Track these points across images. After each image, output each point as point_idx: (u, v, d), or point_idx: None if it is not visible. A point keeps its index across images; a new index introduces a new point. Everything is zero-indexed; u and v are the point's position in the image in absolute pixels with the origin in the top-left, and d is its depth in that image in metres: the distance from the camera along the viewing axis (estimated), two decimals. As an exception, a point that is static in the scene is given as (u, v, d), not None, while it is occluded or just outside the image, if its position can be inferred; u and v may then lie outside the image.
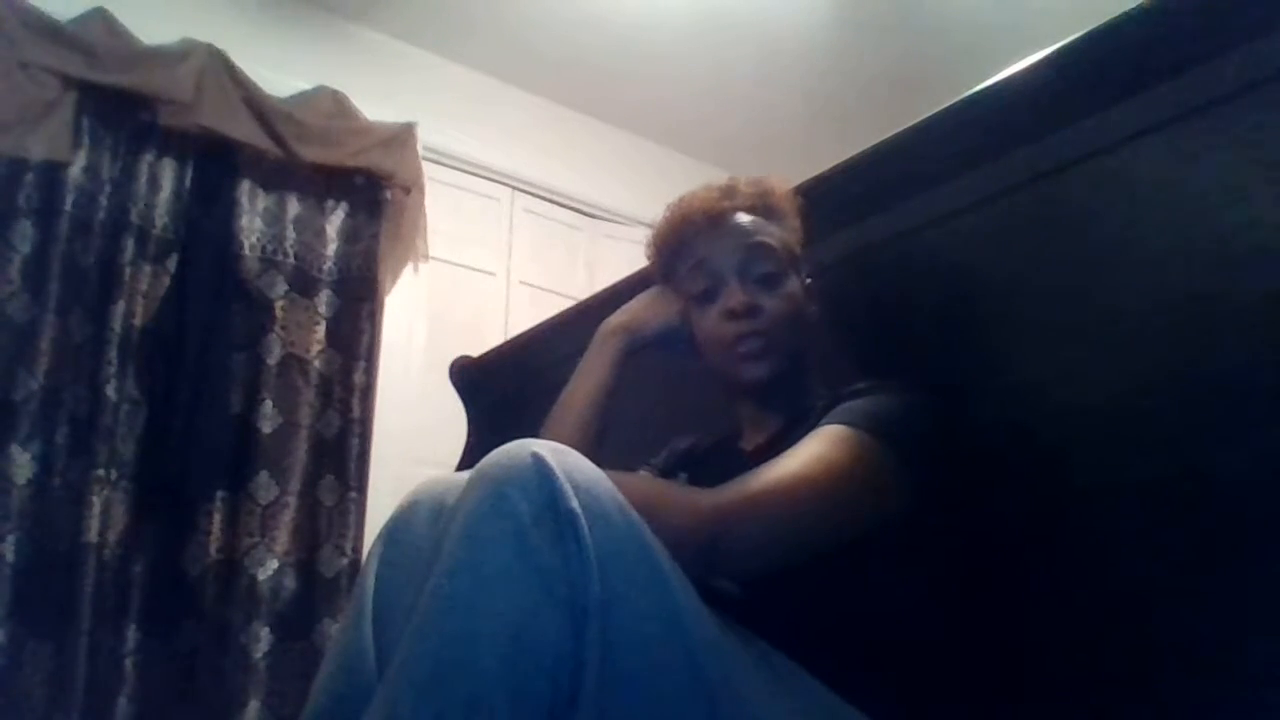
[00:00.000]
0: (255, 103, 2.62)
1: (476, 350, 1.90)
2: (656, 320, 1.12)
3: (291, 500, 2.52)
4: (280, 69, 2.78)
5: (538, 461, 0.67)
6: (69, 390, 2.25)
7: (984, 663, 0.89)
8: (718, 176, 1.14)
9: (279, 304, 2.61)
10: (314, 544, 2.53)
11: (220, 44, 2.60)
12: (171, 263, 2.48)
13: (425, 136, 2.94)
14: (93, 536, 2.19)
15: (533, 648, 0.61)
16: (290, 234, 2.69)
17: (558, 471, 0.66)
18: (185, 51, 2.54)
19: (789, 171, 1.19)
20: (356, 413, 2.66)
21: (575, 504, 0.65)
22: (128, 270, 2.38)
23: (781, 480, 0.81)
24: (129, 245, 2.39)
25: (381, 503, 2.63)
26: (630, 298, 1.18)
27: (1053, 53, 0.91)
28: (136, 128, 2.47)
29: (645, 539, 0.69)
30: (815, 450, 0.84)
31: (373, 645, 0.78)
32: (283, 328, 2.61)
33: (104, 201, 2.39)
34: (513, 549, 0.64)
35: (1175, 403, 0.82)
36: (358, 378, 2.69)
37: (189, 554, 2.36)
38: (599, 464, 0.71)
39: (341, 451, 2.62)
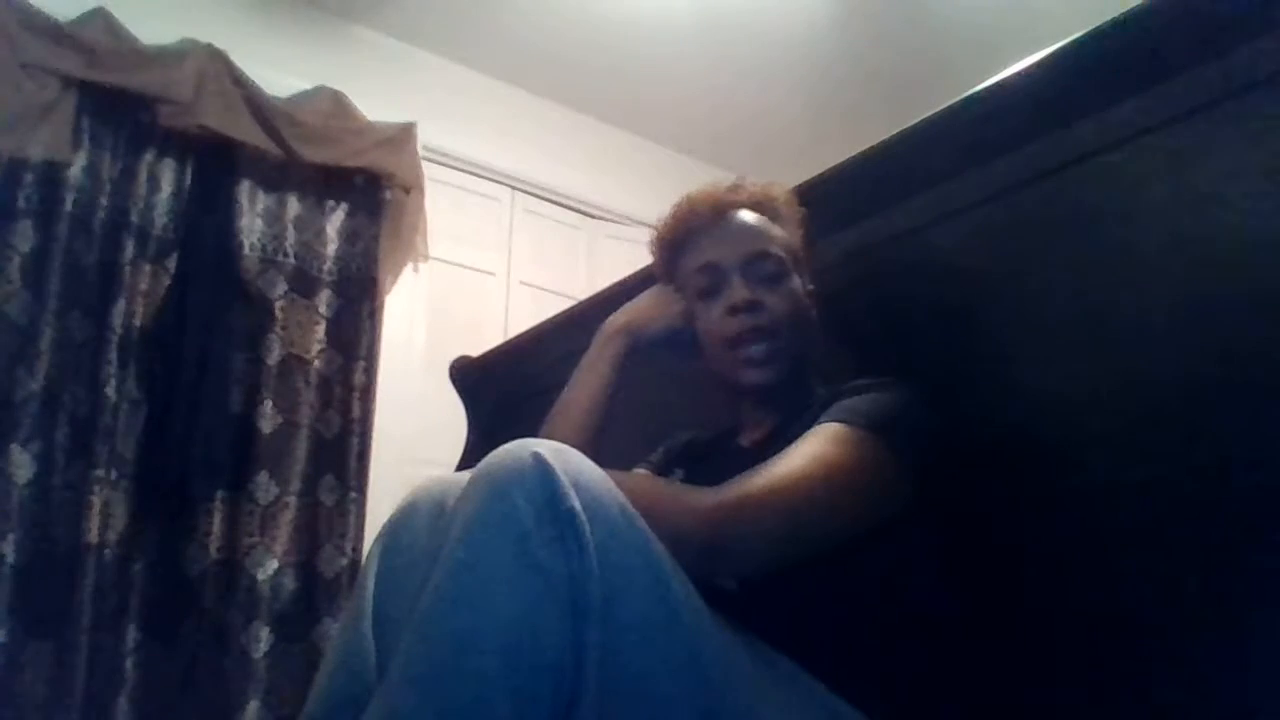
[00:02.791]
0: (255, 103, 2.62)
1: (476, 350, 1.90)
2: (658, 320, 1.12)
3: (291, 500, 2.52)
4: (280, 69, 2.78)
5: (539, 461, 0.67)
6: (69, 390, 2.25)
7: (983, 662, 0.89)
8: (718, 177, 1.14)
9: (279, 304, 2.61)
10: (314, 544, 2.53)
11: (220, 44, 2.60)
12: (171, 263, 2.48)
13: (425, 136, 2.94)
14: (93, 536, 2.19)
15: (534, 648, 0.61)
16: (290, 234, 2.68)
17: (559, 471, 0.66)
18: (185, 51, 2.54)
19: (789, 171, 1.20)
20: (356, 413, 2.66)
21: (576, 504, 0.65)
22: (128, 270, 2.38)
23: (782, 479, 0.80)
24: (129, 245, 2.39)
25: (381, 503, 2.63)
26: (631, 298, 1.18)
27: (1053, 53, 0.91)
28: (136, 128, 2.47)
29: (646, 539, 0.69)
30: (815, 449, 0.84)
31: (373, 645, 0.78)
32: (283, 328, 2.61)
33: (104, 201, 2.39)
34: (514, 549, 0.63)
35: (1175, 402, 0.82)
36: (358, 378, 2.69)
37: (189, 554, 2.36)
38: (599, 463, 0.71)
39: (341, 451, 2.62)
